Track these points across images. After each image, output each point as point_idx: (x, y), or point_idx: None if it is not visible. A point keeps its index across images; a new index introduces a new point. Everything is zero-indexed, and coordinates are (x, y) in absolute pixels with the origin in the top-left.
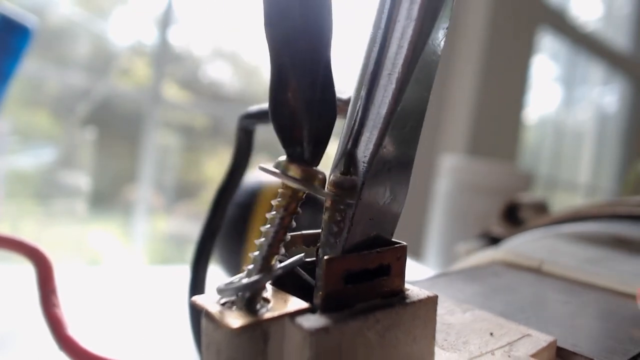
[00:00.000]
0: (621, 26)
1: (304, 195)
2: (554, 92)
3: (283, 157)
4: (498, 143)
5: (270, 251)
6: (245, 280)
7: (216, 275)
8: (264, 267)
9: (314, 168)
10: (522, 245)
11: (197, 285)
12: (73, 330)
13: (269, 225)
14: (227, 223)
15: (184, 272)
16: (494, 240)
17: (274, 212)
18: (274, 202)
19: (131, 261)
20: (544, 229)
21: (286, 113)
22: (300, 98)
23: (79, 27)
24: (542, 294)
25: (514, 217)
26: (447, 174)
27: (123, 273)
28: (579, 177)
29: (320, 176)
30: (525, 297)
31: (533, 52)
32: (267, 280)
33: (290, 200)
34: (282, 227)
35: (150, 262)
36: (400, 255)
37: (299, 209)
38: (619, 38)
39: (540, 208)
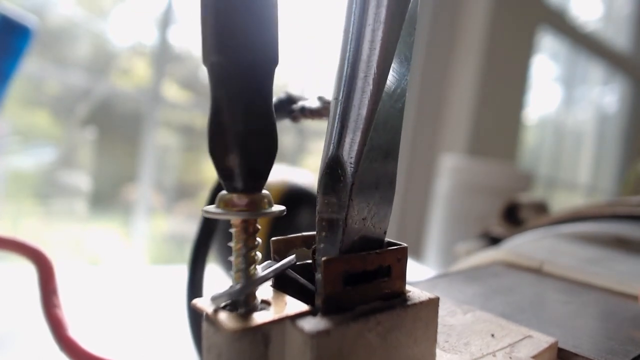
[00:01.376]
0: (621, 26)
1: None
2: (554, 92)
3: (224, 192)
4: (498, 143)
5: (248, 268)
6: (233, 288)
7: (215, 274)
8: (247, 276)
9: (257, 193)
10: (523, 246)
11: (194, 284)
12: (73, 331)
13: (235, 255)
14: (223, 221)
15: (184, 272)
16: (494, 240)
17: (235, 241)
18: (231, 231)
19: (131, 261)
20: (544, 229)
21: (221, 145)
22: (232, 130)
23: (79, 27)
24: (543, 295)
25: (514, 217)
26: (447, 174)
27: (123, 273)
28: (579, 177)
29: (266, 199)
30: (526, 297)
31: (533, 52)
32: (255, 285)
33: (243, 226)
34: (249, 248)
35: (150, 262)
36: (400, 256)
37: (258, 225)
38: (619, 38)
39: (540, 208)
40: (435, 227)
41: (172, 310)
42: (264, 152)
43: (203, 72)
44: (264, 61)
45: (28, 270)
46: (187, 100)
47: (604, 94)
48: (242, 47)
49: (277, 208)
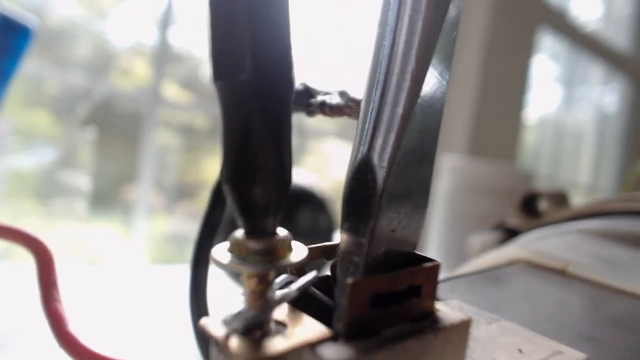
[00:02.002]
0: (621, 26)
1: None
2: (554, 92)
3: (239, 234)
4: (498, 143)
5: (263, 289)
6: (247, 315)
7: (217, 275)
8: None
9: (274, 237)
10: (545, 242)
11: (197, 284)
12: (73, 326)
13: (249, 290)
14: (226, 220)
15: (184, 272)
16: (509, 232)
17: (247, 278)
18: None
19: (131, 261)
20: (565, 224)
21: (241, 180)
22: (252, 164)
23: (79, 27)
24: (569, 301)
25: (532, 208)
26: (447, 174)
27: (123, 272)
28: (579, 177)
29: (285, 242)
30: (552, 304)
31: (533, 52)
32: (272, 310)
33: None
34: (267, 284)
35: (150, 261)
36: (432, 274)
37: None
38: (619, 38)
39: (561, 199)
40: (435, 227)
41: (172, 309)
42: (283, 190)
43: (203, 72)
44: (286, 82)
45: (28, 270)
46: (187, 100)
47: (604, 94)
48: (270, 65)
49: (297, 256)
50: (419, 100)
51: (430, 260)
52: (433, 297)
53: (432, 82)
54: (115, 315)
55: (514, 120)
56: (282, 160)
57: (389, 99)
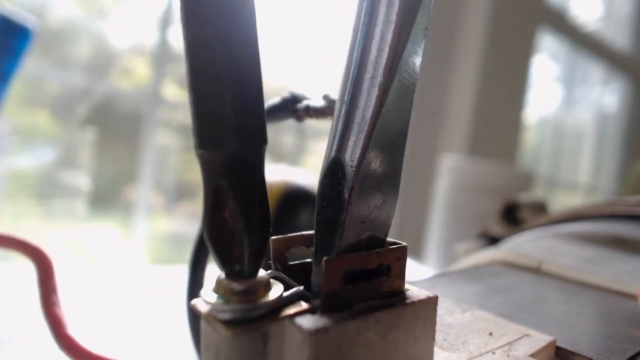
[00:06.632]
0: (621, 26)
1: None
2: (554, 92)
3: (222, 276)
4: (498, 143)
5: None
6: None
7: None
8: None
9: (254, 279)
10: (522, 245)
11: (195, 284)
12: (73, 330)
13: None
14: None
15: (184, 272)
16: (492, 240)
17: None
18: None
19: (131, 261)
20: (542, 229)
21: (224, 233)
22: (239, 218)
23: (79, 28)
24: (541, 294)
25: (513, 216)
26: (447, 174)
27: (123, 273)
28: (579, 177)
29: (263, 284)
30: (525, 297)
31: (533, 52)
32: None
33: None
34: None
35: (150, 262)
36: (400, 255)
37: None
38: (619, 38)
39: (539, 208)
40: (435, 227)
41: (172, 310)
42: (262, 236)
43: None
44: (259, 147)
45: (27, 270)
46: (187, 100)
47: (604, 94)
48: (245, 136)
49: (274, 294)
50: (388, 104)
51: (398, 243)
52: (402, 277)
53: (401, 85)
54: (114, 315)
55: (514, 120)
56: (254, 220)
57: (360, 102)
